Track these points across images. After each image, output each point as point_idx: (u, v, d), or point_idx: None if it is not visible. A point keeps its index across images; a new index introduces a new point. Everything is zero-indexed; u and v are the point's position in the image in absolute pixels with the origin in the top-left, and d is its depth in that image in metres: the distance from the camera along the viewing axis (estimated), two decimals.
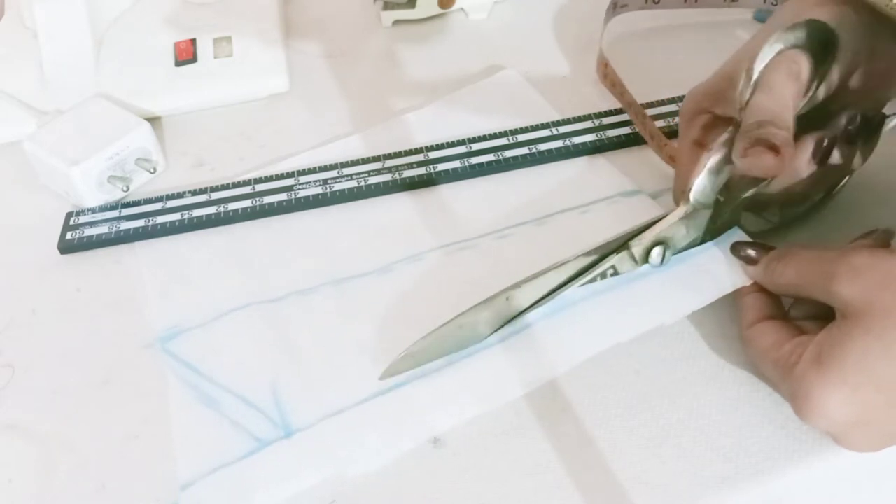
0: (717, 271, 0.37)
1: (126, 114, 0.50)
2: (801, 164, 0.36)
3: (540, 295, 0.36)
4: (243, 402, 0.37)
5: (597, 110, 0.50)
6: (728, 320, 0.37)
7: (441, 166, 0.48)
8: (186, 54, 0.56)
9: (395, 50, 0.59)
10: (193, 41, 0.56)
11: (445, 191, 0.47)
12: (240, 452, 0.35)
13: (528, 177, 0.47)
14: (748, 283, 0.36)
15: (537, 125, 0.50)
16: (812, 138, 0.36)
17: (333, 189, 0.47)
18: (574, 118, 0.50)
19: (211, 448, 0.36)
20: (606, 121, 0.49)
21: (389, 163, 0.48)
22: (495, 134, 0.49)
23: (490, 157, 0.48)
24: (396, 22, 0.61)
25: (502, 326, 0.36)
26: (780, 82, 0.34)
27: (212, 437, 0.36)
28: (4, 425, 0.38)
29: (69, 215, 0.48)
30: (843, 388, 0.30)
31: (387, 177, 0.47)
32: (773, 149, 0.32)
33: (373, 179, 0.47)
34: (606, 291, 0.37)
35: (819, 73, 0.35)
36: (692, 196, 0.36)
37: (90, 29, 0.54)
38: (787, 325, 0.34)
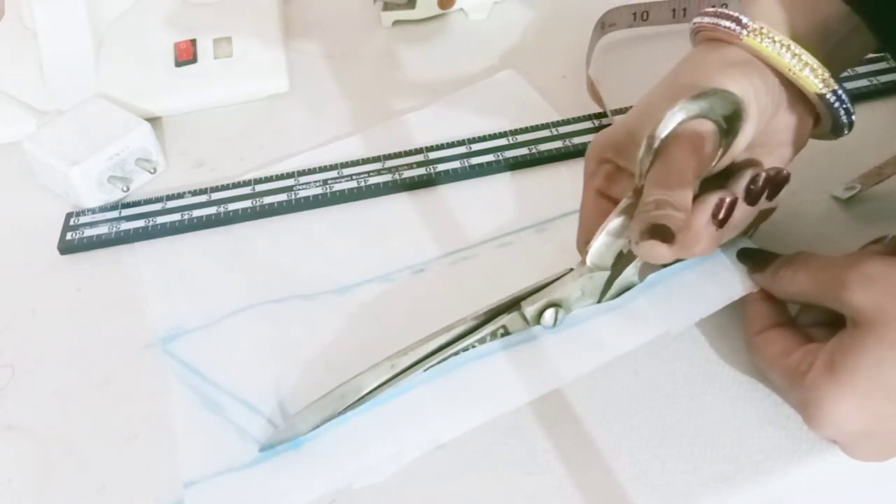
0: (724, 278, 0.37)
1: (126, 114, 0.50)
2: (700, 225, 0.33)
3: (424, 355, 0.35)
4: (248, 408, 0.37)
5: (597, 110, 0.50)
6: (728, 320, 0.37)
7: (441, 166, 0.48)
8: (186, 54, 0.56)
9: (395, 50, 0.59)
10: (193, 41, 0.56)
11: (445, 191, 0.47)
12: (246, 460, 0.35)
13: (527, 177, 0.47)
14: (755, 290, 0.36)
15: (537, 125, 0.50)
16: (712, 199, 0.33)
17: (333, 189, 0.47)
18: (574, 118, 0.50)
19: (216, 452, 0.35)
20: (606, 121, 0.49)
21: (389, 163, 0.48)
22: (495, 134, 0.49)
23: (490, 158, 0.48)
24: (396, 22, 0.61)
25: (386, 383, 0.35)
26: (681, 156, 0.32)
27: (217, 441, 0.36)
28: (4, 425, 0.38)
29: (69, 216, 0.48)
30: (854, 398, 0.30)
31: (387, 177, 0.47)
32: (668, 234, 0.31)
33: (373, 180, 0.47)
34: (613, 304, 0.37)
35: (724, 143, 0.34)
36: (589, 259, 0.35)
37: (90, 29, 0.54)
38: (795, 333, 0.34)
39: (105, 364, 0.40)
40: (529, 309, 0.36)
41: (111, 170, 0.48)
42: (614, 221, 0.34)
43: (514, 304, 0.36)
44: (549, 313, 0.36)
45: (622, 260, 0.36)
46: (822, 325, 0.34)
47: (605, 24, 0.55)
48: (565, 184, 0.46)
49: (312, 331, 0.40)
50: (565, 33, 0.58)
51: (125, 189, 0.49)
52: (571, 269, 0.36)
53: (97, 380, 0.39)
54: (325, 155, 0.50)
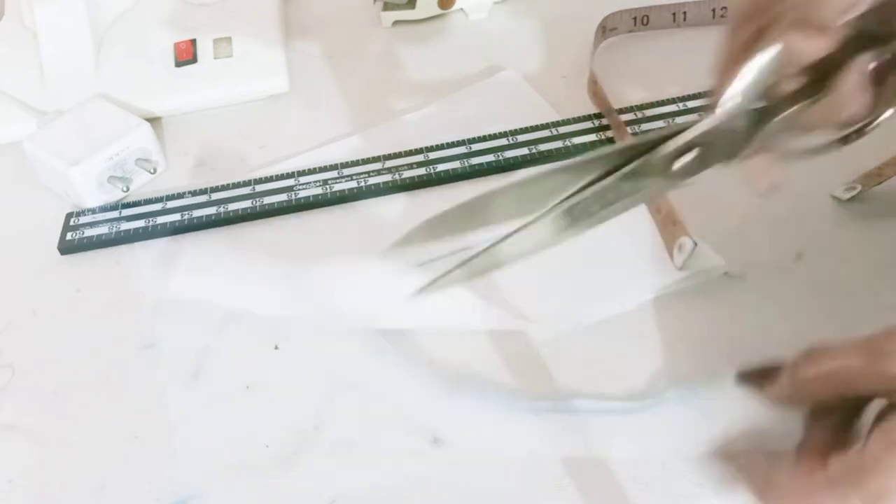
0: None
1: (126, 114, 0.50)
2: (849, 86, 0.30)
3: (567, 185, 0.33)
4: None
5: (596, 110, 0.50)
6: (728, 321, 0.37)
7: (441, 167, 0.48)
8: (186, 54, 0.56)
9: (395, 50, 0.59)
10: (193, 41, 0.56)
11: (445, 191, 0.47)
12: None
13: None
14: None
15: (537, 126, 0.50)
16: (862, 60, 0.31)
17: (333, 189, 0.47)
18: (574, 118, 0.50)
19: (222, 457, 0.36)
20: (606, 121, 0.49)
21: (389, 163, 0.48)
22: (495, 134, 0.49)
23: (490, 158, 0.48)
24: (396, 22, 0.61)
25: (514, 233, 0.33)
26: None
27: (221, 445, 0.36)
28: (4, 425, 0.38)
29: (69, 216, 0.48)
30: None
31: (387, 177, 0.47)
32: (816, 28, 0.28)
33: (373, 180, 0.47)
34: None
35: None
36: (727, 99, 0.32)
37: (90, 29, 0.54)
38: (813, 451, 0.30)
39: (105, 364, 0.40)
40: (668, 150, 0.32)
41: (111, 170, 0.48)
42: (756, 60, 0.31)
43: (654, 146, 0.33)
44: (690, 156, 0.32)
45: (753, 124, 0.33)
46: (837, 445, 0.30)
47: (605, 29, 0.55)
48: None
49: (313, 332, 0.40)
50: (565, 33, 0.58)
51: (125, 189, 0.49)
52: (708, 115, 0.33)
53: (97, 380, 0.39)
54: (325, 155, 0.50)
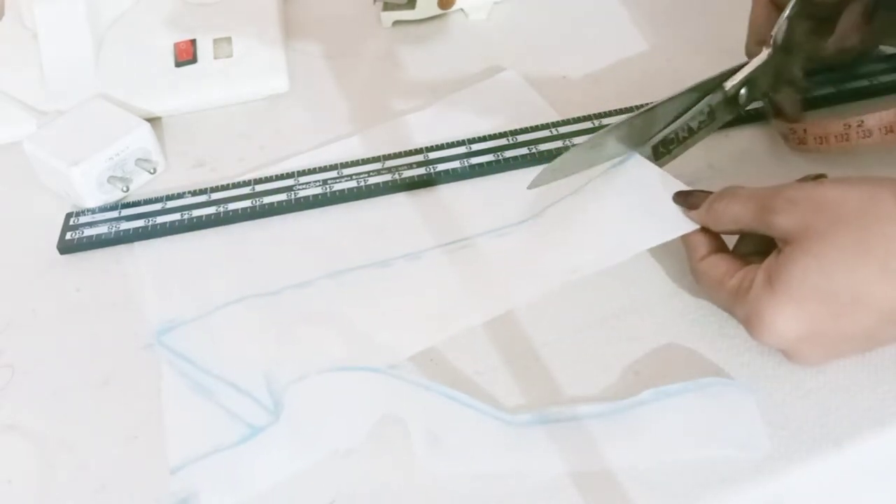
0: (666, 216, 0.39)
1: (126, 114, 0.50)
2: (848, 24, 0.42)
3: (667, 118, 0.42)
4: (237, 391, 0.37)
5: (596, 111, 0.50)
6: (726, 319, 0.37)
7: (441, 167, 0.48)
8: (186, 55, 0.56)
9: (395, 50, 0.59)
10: (193, 41, 0.56)
11: (445, 191, 0.47)
12: (233, 439, 0.35)
13: (527, 177, 0.47)
14: (694, 228, 0.38)
15: (537, 126, 0.50)
16: (856, 4, 0.43)
17: (333, 189, 0.47)
18: (574, 118, 0.50)
19: (203, 435, 0.36)
20: (606, 121, 0.49)
21: (389, 163, 0.48)
22: (495, 135, 0.49)
23: (490, 158, 0.48)
24: (396, 22, 0.61)
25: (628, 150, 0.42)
26: None
27: (204, 424, 0.36)
28: (4, 425, 0.38)
29: (69, 215, 0.48)
30: (789, 305, 0.33)
31: (387, 177, 0.47)
32: None
33: (373, 180, 0.47)
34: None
35: None
36: (775, 33, 0.42)
37: (90, 29, 0.54)
38: (735, 258, 0.37)
39: (104, 364, 0.40)
40: (733, 83, 0.42)
41: (111, 170, 0.48)
42: (786, 12, 0.42)
43: (717, 85, 0.42)
44: (743, 91, 0.43)
45: (787, 58, 0.43)
46: (758, 254, 0.37)
47: None
48: (566, 184, 0.46)
49: (307, 317, 0.40)
50: (565, 33, 0.58)
51: (125, 189, 0.49)
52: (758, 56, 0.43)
53: (97, 380, 0.39)
54: (325, 155, 0.50)
